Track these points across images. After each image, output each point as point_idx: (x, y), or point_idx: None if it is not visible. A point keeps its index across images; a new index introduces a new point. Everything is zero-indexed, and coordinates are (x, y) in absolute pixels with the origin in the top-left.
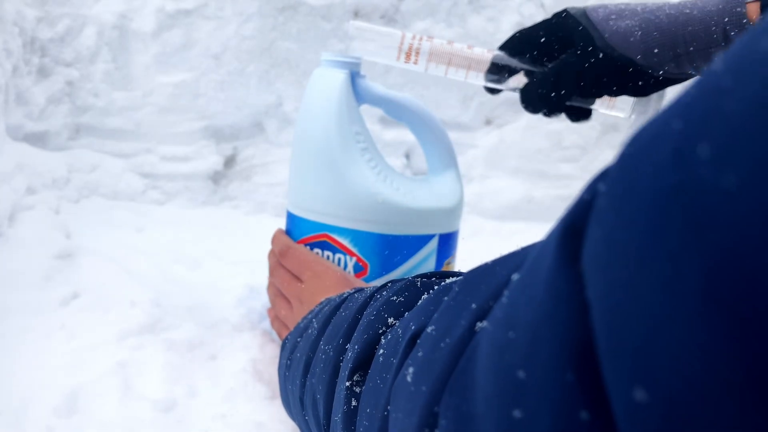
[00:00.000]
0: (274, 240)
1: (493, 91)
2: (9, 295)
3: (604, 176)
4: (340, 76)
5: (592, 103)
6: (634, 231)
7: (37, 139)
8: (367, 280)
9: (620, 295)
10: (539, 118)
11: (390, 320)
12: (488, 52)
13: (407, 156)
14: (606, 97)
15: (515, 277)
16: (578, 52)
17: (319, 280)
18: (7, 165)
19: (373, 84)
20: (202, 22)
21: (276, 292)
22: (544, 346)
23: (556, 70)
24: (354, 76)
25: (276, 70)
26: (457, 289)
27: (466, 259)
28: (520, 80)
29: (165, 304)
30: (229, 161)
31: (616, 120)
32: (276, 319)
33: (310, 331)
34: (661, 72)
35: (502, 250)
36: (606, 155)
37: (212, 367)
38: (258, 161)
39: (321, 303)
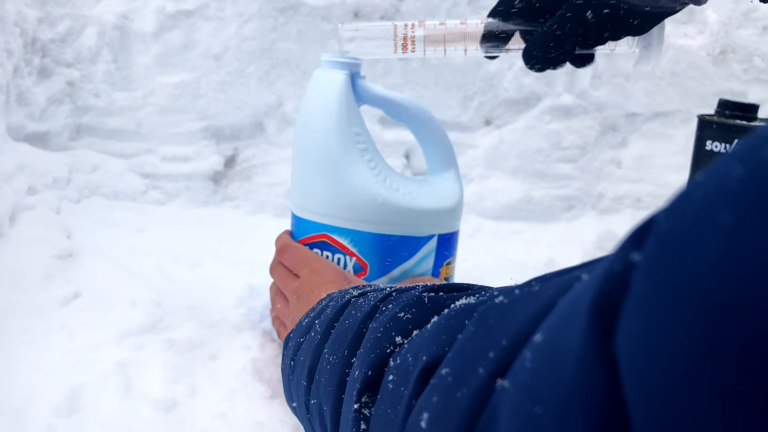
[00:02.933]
0: (276, 240)
1: (492, 57)
2: (10, 295)
3: (637, 243)
4: (340, 77)
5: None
6: (680, 342)
7: (38, 140)
8: (367, 280)
9: (666, 411)
10: (538, 119)
11: (398, 339)
12: (481, 22)
13: (407, 156)
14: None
15: (538, 338)
16: (575, 3)
17: (318, 275)
18: (8, 165)
19: (373, 84)
20: (202, 23)
21: (276, 290)
22: None
23: (555, 25)
24: (354, 77)
25: (276, 71)
26: (472, 328)
27: (467, 258)
28: (517, 41)
29: (165, 303)
30: (230, 161)
31: (615, 120)
32: (276, 318)
33: (312, 333)
34: (658, 7)
35: (502, 250)
36: (605, 155)
37: (212, 367)
38: (258, 161)
39: (321, 300)
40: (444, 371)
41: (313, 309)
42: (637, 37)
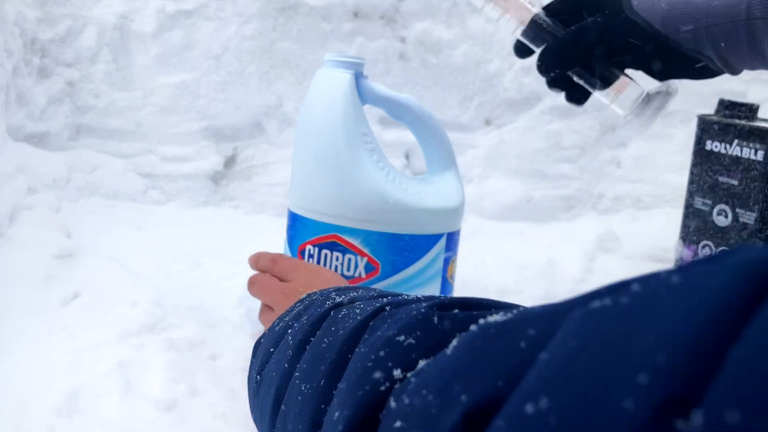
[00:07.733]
0: (260, 258)
1: (522, 53)
2: (9, 295)
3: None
4: (346, 77)
5: (598, 85)
6: None
7: (38, 140)
8: (378, 280)
9: None
10: (538, 118)
11: (396, 372)
12: (530, 5)
13: (407, 156)
14: (614, 85)
15: None
16: (603, 14)
17: (313, 275)
18: (8, 165)
19: (375, 84)
20: (202, 23)
21: (261, 305)
22: None
23: (577, 29)
24: (357, 77)
25: (276, 71)
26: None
27: (467, 258)
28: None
29: (166, 303)
30: (230, 161)
31: (615, 120)
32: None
33: (283, 346)
34: (677, 45)
35: (502, 250)
36: (605, 155)
37: (213, 367)
38: (258, 161)
39: (301, 300)
40: None
41: (288, 311)
42: (637, 100)
